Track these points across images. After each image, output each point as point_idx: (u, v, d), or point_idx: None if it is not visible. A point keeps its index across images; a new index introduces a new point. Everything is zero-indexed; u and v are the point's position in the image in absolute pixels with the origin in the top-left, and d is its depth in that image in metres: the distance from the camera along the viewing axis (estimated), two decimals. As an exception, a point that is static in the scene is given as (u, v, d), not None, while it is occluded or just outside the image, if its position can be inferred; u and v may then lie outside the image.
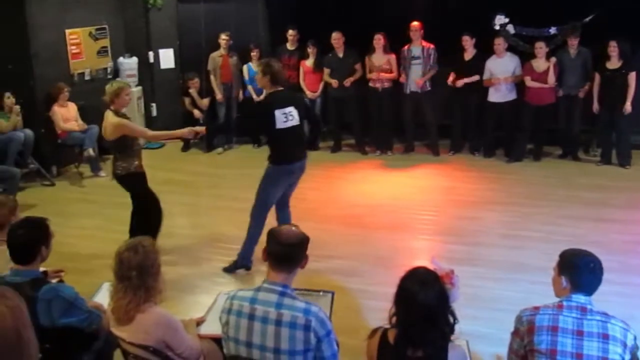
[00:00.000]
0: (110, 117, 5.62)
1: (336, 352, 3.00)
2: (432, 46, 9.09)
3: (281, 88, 5.60)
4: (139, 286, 3.13)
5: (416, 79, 9.09)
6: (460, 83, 8.95)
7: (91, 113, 9.25)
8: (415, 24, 9.03)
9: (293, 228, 3.17)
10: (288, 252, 3.04)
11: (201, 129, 6.28)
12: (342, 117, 9.69)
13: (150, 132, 5.90)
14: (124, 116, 5.69)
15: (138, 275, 3.13)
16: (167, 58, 10.42)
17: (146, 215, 5.95)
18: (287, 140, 5.52)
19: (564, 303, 2.96)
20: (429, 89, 9.21)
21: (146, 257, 3.16)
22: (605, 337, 2.83)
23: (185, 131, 6.14)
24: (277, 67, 5.57)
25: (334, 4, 9.56)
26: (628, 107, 8.27)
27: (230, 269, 5.78)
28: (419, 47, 9.09)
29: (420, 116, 9.39)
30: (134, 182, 5.83)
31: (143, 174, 5.84)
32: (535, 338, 2.90)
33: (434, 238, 6.58)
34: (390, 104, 9.35)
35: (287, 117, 5.43)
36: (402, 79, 9.17)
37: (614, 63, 8.34)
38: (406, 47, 9.15)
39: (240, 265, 5.77)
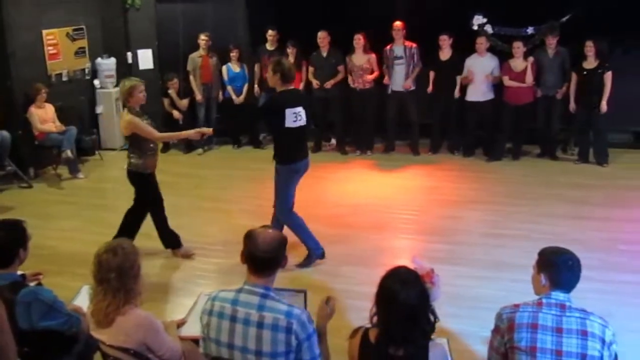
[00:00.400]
0: (124, 115, 5.67)
1: (317, 355, 2.98)
2: (414, 45, 9.13)
3: (292, 87, 5.61)
4: (118, 288, 3.10)
5: (400, 79, 9.13)
6: (457, 94, 9.07)
7: (69, 114, 9.19)
8: (397, 23, 9.06)
9: (269, 231, 3.11)
10: (267, 258, 3.01)
11: (208, 130, 6.35)
12: (325, 117, 9.68)
13: (158, 134, 5.84)
14: (137, 114, 5.64)
15: (117, 278, 3.09)
16: (145, 58, 10.35)
17: (139, 219, 5.98)
18: (293, 139, 5.58)
19: (544, 300, 2.98)
20: (414, 88, 9.24)
21: (125, 259, 3.13)
22: (584, 334, 2.85)
23: (192, 132, 6.15)
24: (287, 65, 5.56)
25: (314, 4, 9.55)
26: (604, 106, 8.36)
27: (305, 264, 5.83)
28: (401, 46, 9.12)
29: (403, 115, 9.42)
30: (142, 183, 5.83)
31: (152, 177, 5.85)
32: (515, 335, 2.92)
33: (416, 237, 6.60)
34: (373, 104, 9.38)
35: (297, 117, 5.47)
36: (386, 80, 9.19)
37: (590, 63, 8.42)
38: (389, 46, 9.19)
39: (314, 258, 5.85)
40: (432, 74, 9.15)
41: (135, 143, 5.69)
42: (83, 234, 6.66)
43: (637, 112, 9.18)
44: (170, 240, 6.11)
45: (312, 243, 5.85)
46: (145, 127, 5.64)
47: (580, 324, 2.88)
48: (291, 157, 5.63)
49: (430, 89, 9.19)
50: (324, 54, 9.34)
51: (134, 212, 6.00)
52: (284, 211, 5.77)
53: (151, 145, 5.76)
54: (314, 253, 5.85)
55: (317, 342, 2.97)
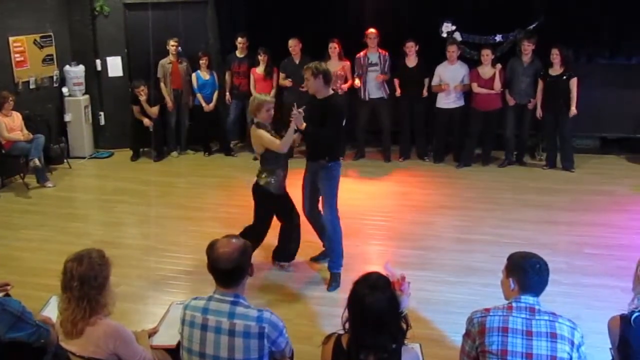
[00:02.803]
0: (253, 129, 5.52)
1: (289, 341, 3.10)
2: (386, 53, 9.18)
3: (332, 90, 5.59)
4: (81, 297, 3.06)
5: (374, 86, 9.16)
6: (424, 93, 9.12)
7: (37, 122, 9.07)
8: (372, 30, 9.08)
9: (233, 241, 3.08)
10: (230, 270, 3.01)
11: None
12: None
13: (278, 142, 5.41)
14: (264, 127, 5.46)
15: (79, 286, 3.05)
16: (115, 66, 10.25)
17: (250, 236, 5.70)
18: (343, 136, 5.67)
19: (514, 304, 3.02)
20: (387, 95, 9.30)
21: (90, 269, 3.09)
22: (553, 336, 2.89)
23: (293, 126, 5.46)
24: (326, 67, 5.51)
25: (284, 11, 9.56)
26: (573, 110, 8.46)
27: (334, 286, 5.58)
28: (376, 53, 9.15)
29: (376, 122, 9.47)
30: (262, 199, 5.63)
31: (275, 196, 5.60)
32: (486, 339, 2.95)
33: (387, 243, 6.62)
34: (346, 110, 9.37)
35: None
36: (357, 84, 9.21)
37: (556, 70, 8.54)
38: (362, 53, 9.21)
39: (337, 277, 5.65)
40: (397, 81, 9.20)
41: (265, 159, 5.52)
42: (51, 244, 6.56)
43: (602, 118, 9.37)
44: None
45: (338, 260, 5.69)
46: (268, 136, 5.42)
47: (550, 326, 2.92)
48: (341, 153, 5.72)
49: (398, 92, 9.20)
50: (296, 61, 9.34)
51: (250, 228, 5.75)
52: (334, 212, 5.63)
53: (281, 159, 5.55)
54: (335, 271, 5.66)
55: None
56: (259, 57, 9.44)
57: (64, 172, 9.36)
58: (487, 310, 3.05)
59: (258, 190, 5.61)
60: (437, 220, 7.13)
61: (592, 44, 9.19)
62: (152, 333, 3.67)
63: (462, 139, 9.23)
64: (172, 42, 9.65)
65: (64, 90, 9.89)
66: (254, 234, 5.43)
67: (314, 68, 5.39)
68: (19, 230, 7.11)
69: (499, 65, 8.78)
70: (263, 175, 5.55)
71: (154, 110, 9.72)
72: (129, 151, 10.05)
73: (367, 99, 9.29)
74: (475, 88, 8.87)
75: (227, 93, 9.82)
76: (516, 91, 8.86)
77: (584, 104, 8.56)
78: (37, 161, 8.39)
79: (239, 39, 9.60)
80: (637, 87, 9.23)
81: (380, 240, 6.72)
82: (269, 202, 5.63)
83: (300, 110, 5.34)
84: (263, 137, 5.40)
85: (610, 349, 3.14)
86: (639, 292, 3.12)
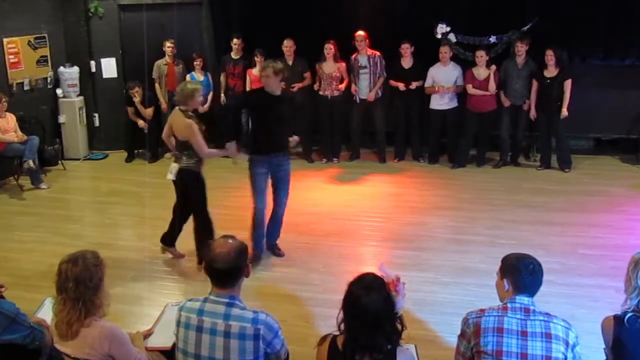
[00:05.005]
0: (181, 116, 5.65)
1: (284, 344, 3.09)
2: (378, 54, 9.17)
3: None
4: (76, 299, 3.06)
5: (365, 88, 9.18)
6: (402, 86, 9.08)
7: (31, 124, 9.05)
8: (360, 33, 9.08)
9: (229, 241, 3.09)
10: (226, 270, 3.01)
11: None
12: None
13: (207, 149, 5.70)
14: (193, 118, 5.66)
15: (75, 288, 3.05)
16: (109, 67, 10.24)
17: (203, 232, 5.85)
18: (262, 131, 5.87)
19: (508, 305, 3.03)
20: (380, 95, 9.30)
21: (85, 270, 3.09)
22: (548, 337, 2.90)
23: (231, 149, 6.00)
24: (283, 66, 5.86)
25: (279, 12, 9.56)
26: (564, 112, 8.50)
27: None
28: (365, 56, 9.16)
29: (369, 123, 9.48)
30: (194, 181, 5.81)
31: (201, 176, 5.83)
32: (481, 340, 2.95)
33: (382, 244, 6.63)
34: (341, 112, 9.40)
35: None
36: (353, 89, 9.24)
37: (551, 71, 8.56)
38: (354, 56, 9.23)
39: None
40: (392, 82, 9.21)
41: (189, 146, 5.67)
42: (45, 246, 6.55)
43: (597, 118, 9.39)
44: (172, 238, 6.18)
45: (255, 243, 6.04)
46: (201, 139, 5.59)
47: (545, 327, 2.93)
48: (260, 147, 5.87)
49: (402, 86, 9.15)
50: (290, 62, 9.33)
51: (183, 211, 6.05)
52: (255, 203, 5.94)
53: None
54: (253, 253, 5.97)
55: None
56: (256, 59, 9.41)
57: (59, 174, 9.34)
58: (482, 310, 3.05)
59: (187, 175, 5.77)
60: (432, 221, 7.13)
61: (586, 45, 9.21)
62: (147, 334, 3.67)
63: (457, 140, 9.25)
64: (168, 44, 9.63)
65: (58, 91, 9.87)
66: (202, 227, 5.79)
67: (274, 67, 5.71)
68: (13, 232, 7.09)
69: (493, 67, 8.80)
70: (184, 158, 5.72)
71: (149, 112, 9.70)
72: (124, 153, 10.04)
73: (358, 100, 9.31)
74: (470, 89, 8.88)
75: (222, 94, 9.81)
76: (511, 92, 8.88)
77: (578, 105, 8.59)
78: (31, 163, 8.37)
79: (234, 40, 9.58)
80: (631, 88, 9.27)
81: (375, 241, 6.72)
82: (199, 181, 5.82)
83: (234, 144, 5.91)
84: (196, 135, 5.57)
85: (604, 349, 3.15)
86: (631, 293, 3.13)
